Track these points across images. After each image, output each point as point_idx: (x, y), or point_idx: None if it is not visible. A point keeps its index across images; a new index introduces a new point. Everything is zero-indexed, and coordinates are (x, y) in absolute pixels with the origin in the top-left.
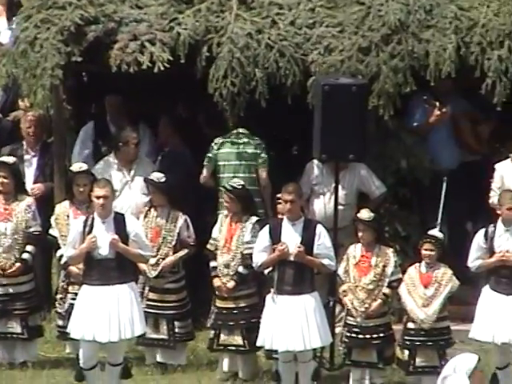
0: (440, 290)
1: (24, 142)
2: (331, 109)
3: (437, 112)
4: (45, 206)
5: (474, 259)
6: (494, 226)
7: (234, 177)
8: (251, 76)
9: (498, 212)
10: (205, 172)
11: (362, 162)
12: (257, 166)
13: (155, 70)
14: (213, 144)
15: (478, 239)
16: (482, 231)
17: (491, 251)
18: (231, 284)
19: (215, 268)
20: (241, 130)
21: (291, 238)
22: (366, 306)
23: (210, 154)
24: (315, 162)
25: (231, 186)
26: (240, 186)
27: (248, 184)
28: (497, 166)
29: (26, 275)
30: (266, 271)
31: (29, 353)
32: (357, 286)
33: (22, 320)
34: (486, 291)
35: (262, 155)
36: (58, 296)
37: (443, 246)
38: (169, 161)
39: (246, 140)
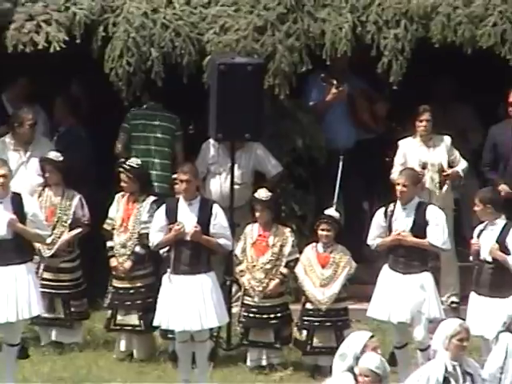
0: (338, 271)
1: None
2: (227, 88)
3: (334, 90)
4: None
5: (374, 237)
6: (394, 205)
7: (147, 149)
8: (147, 55)
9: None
10: (118, 143)
11: (257, 142)
12: (171, 141)
13: (51, 50)
14: (128, 114)
15: (378, 217)
16: (381, 209)
17: (390, 230)
18: (128, 264)
19: (112, 248)
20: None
21: (187, 217)
22: (264, 285)
23: (124, 125)
24: (211, 141)
25: (129, 165)
26: (137, 166)
27: (161, 158)
28: (400, 142)
29: None
30: (162, 251)
31: None
32: (254, 266)
33: None
34: (385, 270)
35: (178, 131)
36: None
37: (340, 225)
38: (64, 140)
39: (160, 114)
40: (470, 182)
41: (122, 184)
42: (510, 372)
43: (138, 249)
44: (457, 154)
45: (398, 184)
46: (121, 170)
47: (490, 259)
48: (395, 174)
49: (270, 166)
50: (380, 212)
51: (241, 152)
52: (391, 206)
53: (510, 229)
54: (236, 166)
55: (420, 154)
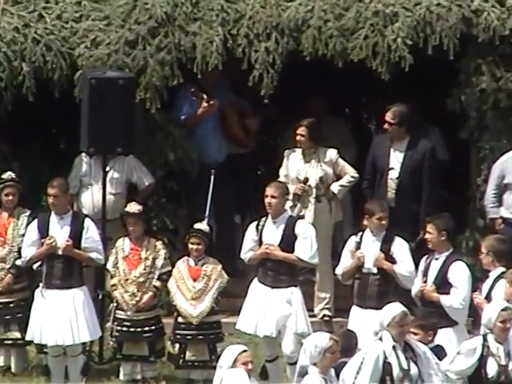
0: (209, 284)
1: None
2: (98, 102)
3: (204, 104)
4: None
5: (246, 251)
6: (266, 219)
7: None
8: (18, 70)
9: None
10: None
11: (129, 155)
12: None
13: None
14: None
15: (250, 231)
16: (253, 223)
17: (261, 243)
18: (9, 277)
19: None
20: None
21: (59, 231)
22: (137, 299)
23: None
24: (83, 155)
25: (11, 178)
26: (10, 177)
27: None
28: (286, 152)
29: None
30: (35, 266)
31: None
32: (127, 280)
33: None
34: (254, 283)
35: None
36: None
37: (210, 238)
38: None
39: None
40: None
41: (8, 198)
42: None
43: (19, 262)
44: (344, 165)
45: (267, 196)
46: (6, 183)
47: (375, 270)
48: None
49: (142, 177)
50: (252, 226)
51: (113, 162)
52: (263, 219)
53: (392, 238)
54: (109, 177)
55: (301, 168)
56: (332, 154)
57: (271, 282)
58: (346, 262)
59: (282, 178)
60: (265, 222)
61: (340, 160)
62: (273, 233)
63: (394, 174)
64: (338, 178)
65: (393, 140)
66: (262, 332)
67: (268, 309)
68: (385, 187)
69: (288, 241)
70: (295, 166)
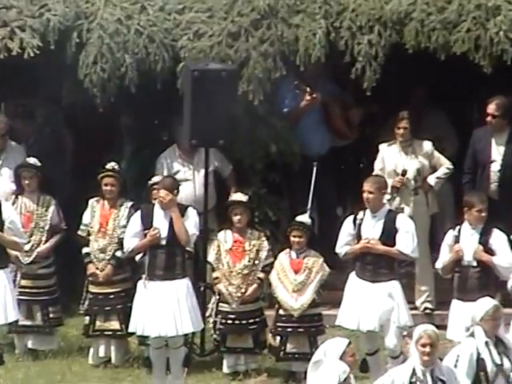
0: (311, 277)
1: None
2: (201, 94)
3: (307, 97)
4: None
5: (342, 245)
6: (364, 213)
7: None
8: (121, 62)
9: None
10: None
11: (231, 148)
12: None
13: (25, 57)
14: None
15: (347, 225)
16: (350, 217)
17: (359, 237)
18: (109, 269)
19: (88, 254)
20: None
21: (163, 223)
22: (243, 291)
23: None
24: (162, 157)
25: (113, 168)
26: (120, 168)
27: None
28: (380, 146)
29: None
30: (137, 257)
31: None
32: (231, 272)
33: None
34: (352, 278)
35: None
36: None
37: (312, 231)
38: (37, 147)
39: None
40: (444, 188)
41: (107, 188)
42: None
43: (119, 253)
44: (439, 157)
45: (364, 191)
46: (107, 173)
47: (474, 263)
48: None
49: (225, 164)
50: (349, 220)
51: (199, 155)
52: (360, 213)
53: (491, 230)
54: (196, 170)
55: (398, 161)
56: (427, 146)
57: (371, 277)
58: (444, 256)
59: (377, 172)
60: (363, 216)
61: (435, 152)
62: (372, 227)
63: (495, 167)
64: (434, 170)
65: (493, 132)
66: (364, 327)
67: (369, 303)
68: (487, 180)
69: (389, 235)
70: (392, 159)
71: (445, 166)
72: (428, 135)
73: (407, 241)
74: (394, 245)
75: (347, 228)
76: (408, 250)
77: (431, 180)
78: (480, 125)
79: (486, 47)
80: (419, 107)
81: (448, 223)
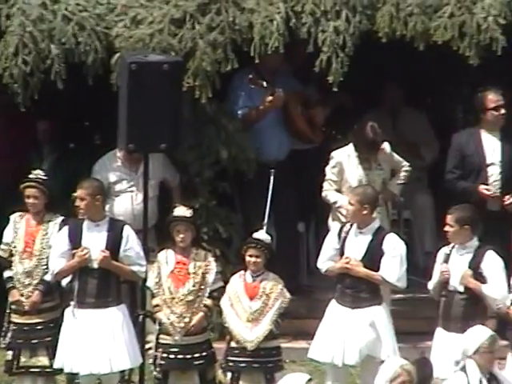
0: (268, 304)
1: None
2: (139, 90)
3: (269, 98)
4: None
5: (324, 260)
6: (351, 225)
7: None
8: (46, 53)
9: None
10: None
11: (175, 152)
12: None
13: None
14: None
15: (331, 238)
16: (336, 229)
17: (342, 254)
18: (36, 295)
19: (11, 278)
20: None
21: (94, 241)
22: (186, 320)
23: None
24: (105, 158)
25: (38, 178)
26: (46, 178)
27: None
28: (333, 153)
29: None
30: (64, 281)
31: None
32: (173, 299)
33: None
34: (332, 305)
35: None
36: None
37: (271, 250)
38: None
39: None
40: (422, 199)
41: (29, 201)
42: None
43: (48, 277)
44: (398, 159)
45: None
46: (30, 183)
47: (461, 289)
48: (328, 192)
49: (172, 173)
50: (334, 232)
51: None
52: (347, 225)
53: (484, 253)
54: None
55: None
56: (386, 147)
57: (350, 302)
58: (436, 277)
59: (331, 184)
60: (349, 229)
61: (393, 153)
62: (357, 244)
63: (495, 170)
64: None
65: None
66: (339, 361)
67: (348, 333)
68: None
69: (373, 256)
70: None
71: (403, 168)
72: (405, 139)
73: (393, 267)
74: (378, 268)
75: (331, 241)
76: (392, 278)
77: (394, 188)
78: (465, 126)
79: (472, 35)
80: (393, 106)
81: (428, 233)
